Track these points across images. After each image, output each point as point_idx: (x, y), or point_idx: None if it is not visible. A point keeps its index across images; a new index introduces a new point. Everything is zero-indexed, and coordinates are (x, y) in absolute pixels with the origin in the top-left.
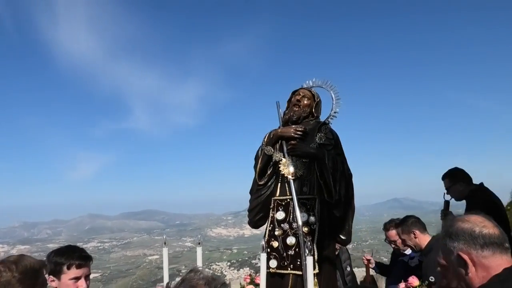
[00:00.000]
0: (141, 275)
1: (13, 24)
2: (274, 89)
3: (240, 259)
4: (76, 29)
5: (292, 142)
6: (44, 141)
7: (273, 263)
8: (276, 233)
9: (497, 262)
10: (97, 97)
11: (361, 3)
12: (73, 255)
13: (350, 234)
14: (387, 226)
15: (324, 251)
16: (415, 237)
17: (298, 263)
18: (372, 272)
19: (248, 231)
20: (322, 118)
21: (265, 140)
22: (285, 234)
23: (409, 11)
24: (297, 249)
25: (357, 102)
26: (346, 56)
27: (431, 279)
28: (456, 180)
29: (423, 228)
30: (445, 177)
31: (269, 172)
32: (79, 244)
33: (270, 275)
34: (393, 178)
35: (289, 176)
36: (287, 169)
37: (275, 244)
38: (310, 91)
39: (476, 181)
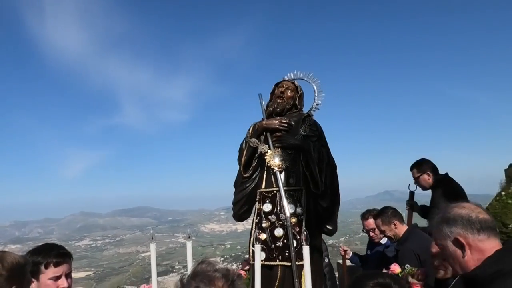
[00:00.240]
0: (134, 272)
1: None
2: (265, 84)
3: (233, 254)
4: (64, 24)
5: (277, 134)
6: (33, 138)
7: (262, 255)
8: (264, 225)
9: (491, 245)
10: (86, 93)
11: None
12: (49, 253)
13: (336, 224)
14: (365, 216)
15: (311, 242)
16: (395, 228)
17: (287, 254)
18: (348, 263)
19: (241, 226)
20: (305, 110)
21: (250, 132)
22: (272, 226)
23: (399, 7)
24: (285, 240)
25: (348, 96)
26: (337, 51)
27: (407, 267)
28: (423, 170)
29: (401, 218)
30: (413, 167)
31: (254, 165)
32: (71, 243)
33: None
34: (383, 171)
35: (276, 168)
36: (273, 161)
37: (263, 236)
38: (293, 83)
39: (470, 173)
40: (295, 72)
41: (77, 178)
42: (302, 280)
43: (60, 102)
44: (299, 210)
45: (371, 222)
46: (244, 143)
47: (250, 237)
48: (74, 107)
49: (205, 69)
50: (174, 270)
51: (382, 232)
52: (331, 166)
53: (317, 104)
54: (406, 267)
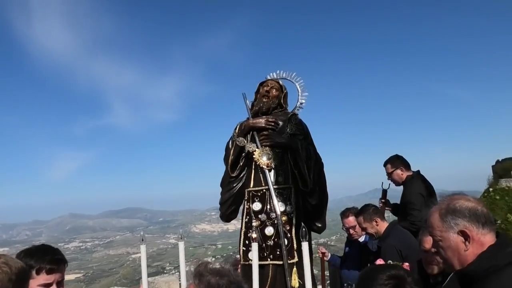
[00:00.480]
0: (125, 274)
1: None
2: (254, 83)
3: (224, 254)
4: (51, 25)
5: (265, 132)
6: (21, 140)
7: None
8: (254, 224)
9: (490, 240)
10: (74, 94)
11: None
12: (43, 258)
13: (325, 222)
14: (346, 214)
15: (303, 239)
16: (377, 225)
17: (278, 253)
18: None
19: (232, 226)
20: (289, 109)
21: (237, 131)
22: (263, 225)
23: (387, 9)
24: (276, 239)
25: (339, 96)
26: (325, 51)
27: (389, 262)
28: (397, 165)
29: (383, 216)
30: (387, 163)
31: (241, 164)
32: (60, 245)
33: (249, 267)
34: (374, 169)
35: (265, 167)
36: (261, 159)
37: (253, 235)
38: (278, 82)
39: (458, 169)
40: (278, 71)
41: (65, 180)
42: (293, 278)
43: (48, 103)
44: (288, 208)
45: (351, 220)
46: (230, 142)
47: (240, 237)
48: (62, 107)
49: (193, 69)
50: (165, 271)
51: (363, 229)
52: (319, 164)
53: (301, 104)
54: (389, 262)
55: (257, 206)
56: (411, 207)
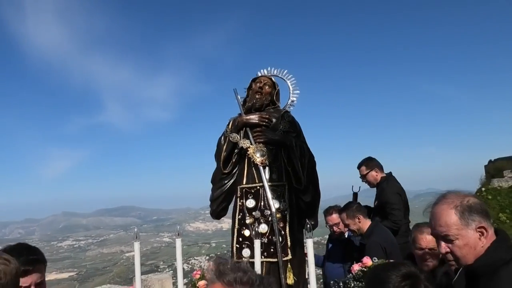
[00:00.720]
0: (119, 272)
1: None
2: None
3: (218, 253)
4: (44, 22)
5: (259, 129)
6: (13, 138)
7: (246, 252)
8: (247, 221)
9: (494, 234)
10: (68, 92)
11: None
12: (17, 259)
13: (317, 220)
14: (329, 211)
15: (295, 238)
16: (359, 222)
17: (272, 250)
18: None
19: (226, 224)
20: (280, 107)
21: (230, 127)
22: (257, 222)
23: (380, 5)
24: (270, 236)
25: (333, 94)
26: (319, 49)
27: (374, 259)
28: (371, 166)
29: (365, 213)
30: (362, 165)
31: (233, 160)
32: (53, 243)
33: None
34: None
35: (259, 164)
36: (255, 156)
37: (247, 232)
38: (270, 79)
39: (451, 169)
40: (269, 68)
41: (59, 178)
42: (288, 275)
43: (41, 101)
44: (282, 205)
45: (334, 217)
46: (223, 138)
47: (233, 234)
48: (55, 105)
49: (187, 67)
50: (159, 270)
51: (346, 226)
52: (312, 162)
53: (292, 101)
54: (373, 259)
55: (250, 203)
56: (392, 206)
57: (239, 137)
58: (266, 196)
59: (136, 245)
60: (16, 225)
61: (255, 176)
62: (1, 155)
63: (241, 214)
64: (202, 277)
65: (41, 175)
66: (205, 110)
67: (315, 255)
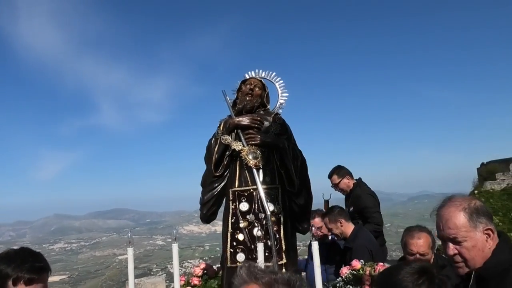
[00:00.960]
0: (111, 276)
1: None
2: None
3: (212, 256)
4: (38, 23)
5: (251, 131)
6: (6, 139)
7: (241, 257)
8: (241, 225)
9: (496, 235)
10: (62, 93)
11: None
12: (22, 266)
13: (309, 223)
14: (312, 215)
15: (289, 241)
16: (341, 226)
17: (267, 254)
18: None
19: (220, 227)
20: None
21: (221, 129)
22: (251, 226)
23: (376, 10)
24: (264, 240)
25: (328, 97)
26: (315, 52)
27: (361, 262)
28: (343, 174)
29: (348, 217)
30: (333, 174)
31: (225, 163)
32: (45, 246)
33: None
34: (361, 171)
35: (253, 166)
36: (248, 157)
37: (241, 236)
38: (260, 81)
39: (444, 172)
40: (257, 70)
41: (51, 180)
42: None
43: (35, 102)
44: (276, 208)
45: (317, 221)
46: (214, 140)
47: (227, 238)
48: (49, 107)
49: (182, 70)
50: (152, 273)
51: (329, 230)
52: (304, 165)
53: (281, 104)
54: (361, 262)
55: (244, 206)
56: (371, 210)
57: (231, 139)
58: (261, 199)
59: (130, 251)
60: (7, 228)
61: (248, 178)
62: None
63: (234, 217)
64: (188, 284)
65: (33, 176)
66: (199, 113)
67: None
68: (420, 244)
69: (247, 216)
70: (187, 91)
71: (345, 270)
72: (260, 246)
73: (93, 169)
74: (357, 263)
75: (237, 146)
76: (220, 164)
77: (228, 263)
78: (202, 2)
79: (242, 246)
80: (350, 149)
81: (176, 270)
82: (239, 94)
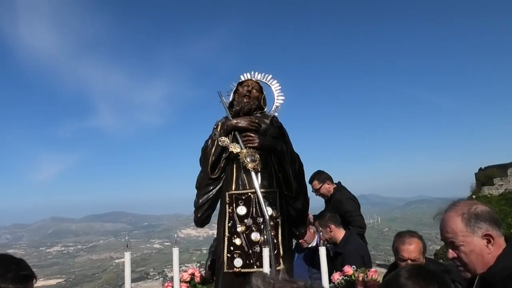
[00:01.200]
0: (108, 279)
1: None
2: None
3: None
4: (37, 24)
5: (250, 134)
6: (3, 141)
7: (238, 262)
8: (239, 229)
9: (502, 241)
10: (60, 95)
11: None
12: (5, 276)
13: (306, 227)
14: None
15: (286, 246)
16: (331, 231)
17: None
18: None
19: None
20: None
21: (219, 130)
22: (249, 230)
23: (372, 14)
24: (262, 245)
25: (325, 101)
26: (313, 56)
27: (353, 267)
28: (323, 180)
29: (338, 222)
30: (313, 179)
31: (221, 165)
32: (42, 249)
33: (234, 275)
34: (359, 175)
35: (251, 169)
36: (246, 160)
37: (238, 241)
38: (258, 83)
39: (442, 177)
40: (252, 72)
41: (48, 182)
42: None
43: (32, 104)
44: (274, 213)
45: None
46: (210, 142)
47: (223, 243)
48: (47, 109)
49: (181, 72)
50: (149, 277)
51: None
52: (301, 169)
53: (277, 107)
54: (352, 267)
55: (242, 210)
56: (353, 214)
57: (228, 141)
58: (259, 203)
59: (127, 256)
60: (3, 230)
61: (246, 182)
62: None
63: (231, 221)
64: None
65: (30, 179)
66: (197, 116)
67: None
68: (411, 249)
69: (245, 220)
70: (185, 94)
71: (336, 276)
72: (265, 252)
73: (91, 172)
74: (349, 269)
75: (235, 148)
76: (217, 166)
77: (225, 268)
78: (201, 6)
79: (239, 251)
80: (348, 154)
81: (176, 275)
82: (235, 95)
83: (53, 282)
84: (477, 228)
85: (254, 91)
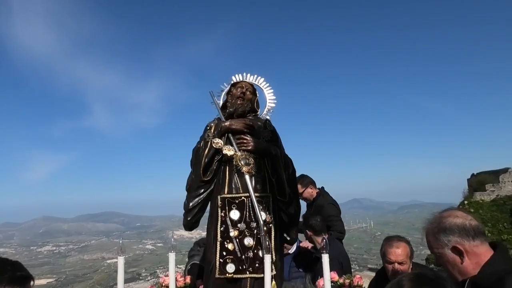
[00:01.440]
0: (99, 280)
1: None
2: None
3: None
4: (32, 24)
5: (245, 136)
6: None
7: (231, 268)
8: (231, 234)
9: (484, 249)
10: (54, 94)
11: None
12: (1, 277)
13: (297, 233)
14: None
15: (278, 252)
16: (312, 235)
17: (257, 265)
18: None
19: None
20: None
21: (213, 132)
22: (242, 235)
23: (367, 19)
24: (255, 251)
25: (318, 105)
26: (308, 59)
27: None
28: (306, 184)
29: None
30: (297, 183)
31: (214, 167)
32: (33, 248)
33: (226, 281)
34: (352, 179)
35: (245, 172)
36: (240, 163)
37: (230, 246)
38: (251, 85)
39: (434, 182)
40: (244, 74)
41: (41, 181)
42: None
43: (26, 103)
44: (268, 217)
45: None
46: (203, 144)
47: (216, 248)
48: (41, 108)
49: (177, 73)
50: (141, 278)
51: (307, 238)
52: (294, 174)
53: (269, 110)
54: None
55: (235, 214)
56: (334, 219)
57: (222, 143)
58: (253, 208)
59: (121, 260)
60: None
61: (239, 185)
62: None
63: (223, 226)
64: None
65: (22, 178)
66: (192, 118)
67: None
68: (399, 253)
69: (238, 225)
70: (180, 96)
71: (322, 282)
72: (267, 259)
73: (84, 171)
74: (335, 275)
75: (229, 151)
76: (209, 169)
77: (217, 273)
78: (196, 8)
79: (232, 256)
80: (341, 158)
81: (172, 281)
82: (228, 97)
83: (43, 281)
84: (447, 241)
85: (248, 93)
